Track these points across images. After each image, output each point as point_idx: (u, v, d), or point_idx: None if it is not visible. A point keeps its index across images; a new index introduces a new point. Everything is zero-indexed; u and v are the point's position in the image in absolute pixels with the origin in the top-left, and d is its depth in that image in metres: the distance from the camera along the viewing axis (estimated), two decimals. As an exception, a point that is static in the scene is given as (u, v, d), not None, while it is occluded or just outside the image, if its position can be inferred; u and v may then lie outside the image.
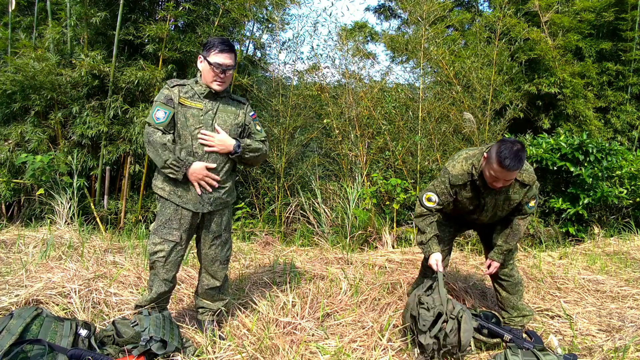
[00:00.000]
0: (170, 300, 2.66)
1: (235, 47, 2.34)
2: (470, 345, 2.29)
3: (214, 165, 2.29)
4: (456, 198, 2.55)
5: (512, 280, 2.73)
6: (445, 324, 2.25)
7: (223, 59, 2.25)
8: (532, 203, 2.54)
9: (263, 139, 2.50)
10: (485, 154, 2.36)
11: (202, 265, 2.53)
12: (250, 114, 2.48)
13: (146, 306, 2.37)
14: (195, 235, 2.50)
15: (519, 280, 2.76)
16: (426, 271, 2.83)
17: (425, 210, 2.59)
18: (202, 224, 2.42)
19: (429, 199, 2.58)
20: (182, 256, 2.40)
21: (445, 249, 2.82)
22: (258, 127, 2.51)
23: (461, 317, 2.27)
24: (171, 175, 2.25)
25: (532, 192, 2.51)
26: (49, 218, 4.49)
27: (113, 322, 2.21)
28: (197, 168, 2.26)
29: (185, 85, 2.35)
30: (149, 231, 4.59)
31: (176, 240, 2.33)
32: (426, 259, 2.66)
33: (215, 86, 2.30)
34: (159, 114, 2.26)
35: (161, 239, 2.32)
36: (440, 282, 2.44)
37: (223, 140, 2.31)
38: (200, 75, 2.34)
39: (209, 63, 2.25)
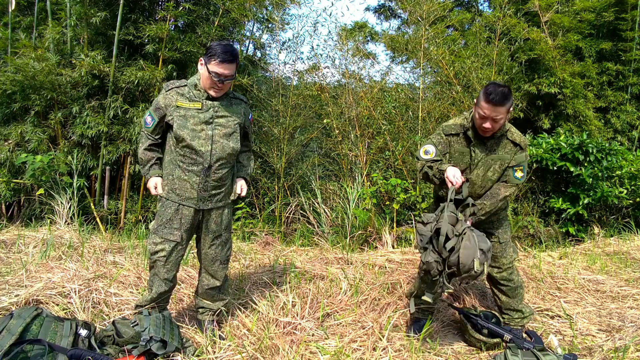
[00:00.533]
0: (170, 300, 2.66)
1: (237, 54, 2.35)
2: (474, 267, 2.04)
3: (160, 192, 2.37)
4: (450, 154, 2.56)
5: (512, 285, 2.67)
6: (447, 242, 2.10)
7: (222, 69, 2.25)
8: (519, 173, 2.50)
9: (251, 144, 2.66)
10: (475, 101, 2.47)
11: (202, 265, 2.53)
12: (249, 116, 2.53)
13: (146, 306, 2.37)
14: (195, 235, 2.51)
15: (519, 284, 2.70)
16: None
17: (424, 162, 2.57)
18: (201, 223, 2.43)
19: (427, 152, 2.57)
20: (182, 256, 2.41)
21: None
22: (251, 130, 2.60)
23: (464, 234, 2.10)
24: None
25: (521, 157, 2.50)
26: (49, 218, 4.49)
27: (113, 322, 2.22)
28: (151, 182, 2.38)
29: (183, 86, 2.36)
30: (149, 230, 4.61)
31: (177, 240, 2.34)
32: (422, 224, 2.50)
33: (212, 93, 2.32)
34: (148, 119, 2.37)
35: (162, 239, 2.33)
36: (450, 196, 2.30)
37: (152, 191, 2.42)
38: (200, 77, 2.36)
39: (208, 71, 2.25)
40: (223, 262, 2.52)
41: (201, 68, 2.31)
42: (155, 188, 2.36)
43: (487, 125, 2.37)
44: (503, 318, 2.74)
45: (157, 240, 2.34)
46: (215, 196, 2.39)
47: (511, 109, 2.40)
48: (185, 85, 2.36)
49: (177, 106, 2.31)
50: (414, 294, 2.67)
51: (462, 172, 2.53)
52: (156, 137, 2.39)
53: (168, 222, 2.33)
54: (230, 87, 2.50)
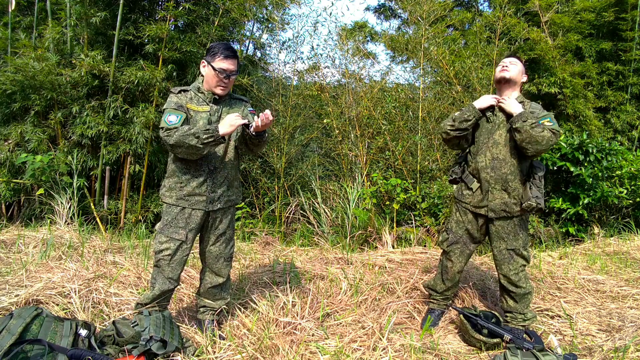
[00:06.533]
0: (170, 300, 2.66)
1: (237, 51, 2.41)
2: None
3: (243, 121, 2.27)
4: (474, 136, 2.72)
5: (520, 291, 2.64)
6: None
7: (227, 65, 2.30)
8: (546, 121, 2.50)
9: None
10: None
11: (205, 263, 2.55)
12: (249, 109, 2.55)
13: (148, 304, 2.38)
14: (198, 234, 2.53)
15: (528, 290, 2.66)
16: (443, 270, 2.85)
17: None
18: (207, 223, 2.46)
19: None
20: (187, 255, 2.43)
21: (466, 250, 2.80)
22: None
23: None
24: (214, 148, 2.28)
25: (544, 113, 2.59)
26: (49, 218, 4.49)
27: (113, 322, 2.22)
28: (227, 118, 2.24)
29: (187, 91, 2.40)
30: (150, 231, 4.62)
31: (182, 239, 2.36)
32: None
33: (219, 91, 2.36)
34: (171, 118, 2.26)
35: (167, 238, 2.35)
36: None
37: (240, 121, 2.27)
38: (202, 81, 2.39)
39: (214, 69, 2.29)
40: (227, 259, 2.54)
41: (204, 69, 2.36)
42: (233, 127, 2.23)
43: (505, 63, 2.61)
44: (505, 317, 2.74)
45: (163, 239, 2.36)
46: (224, 196, 2.43)
47: (523, 71, 2.66)
48: (190, 90, 2.40)
49: (188, 108, 2.34)
50: (429, 285, 2.97)
51: (484, 147, 2.63)
52: None
53: (173, 220, 2.36)
54: (231, 88, 2.51)
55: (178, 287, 3.07)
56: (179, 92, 2.39)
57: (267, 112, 2.26)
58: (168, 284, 2.39)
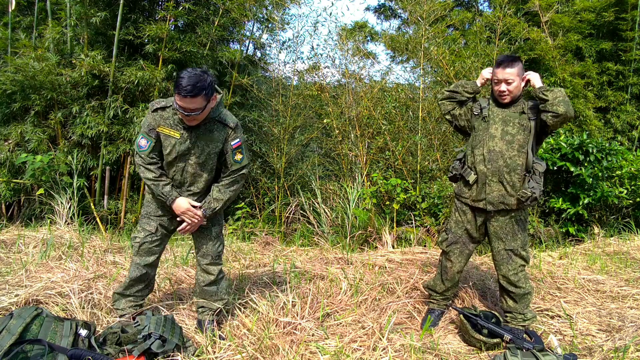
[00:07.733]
0: (147, 296, 2.66)
1: (204, 86, 2.10)
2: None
3: (197, 204, 2.39)
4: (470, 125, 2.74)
5: (519, 292, 2.64)
6: None
7: (184, 104, 2.10)
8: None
9: (239, 167, 2.39)
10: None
11: (197, 261, 2.60)
12: (233, 142, 2.34)
13: (122, 293, 2.51)
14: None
15: (528, 290, 2.66)
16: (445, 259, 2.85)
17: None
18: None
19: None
20: (157, 246, 2.49)
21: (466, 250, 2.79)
22: (237, 157, 2.36)
23: None
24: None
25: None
26: (49, 218, 4.49)
27: (119, 321, 2.24)
28: (180, 204, 2.36)
29: (166, 109, 2.28)
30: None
31: (151, 230, 2.46)
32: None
33: (186, 122, 2.22)
34: (142, 142, 2.32)
35: (140, 228, 2.48)
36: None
37: (194, 219, 2.39)
38: None
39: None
40: (214, 257, 2.55)
41: None
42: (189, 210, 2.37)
43: (502, 88, 2.53)
44: (505, 317, 2.74)
45: (137, 228, 2.50)
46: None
47: (524, 75, 2.56)
48: (169, 107, 2.27)
49: (158, 132, 2.30)
50: (429, 285, 2.97)
51: (481, 141, 2.62)
52: (155, 158, 2.34)
53: (147, 214, 2.48)
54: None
55: (177, 286, 3.08)
56: (156, 109, 2.26)
57: (184, 227, 2.41)
58: (137, 271, 2.47)
